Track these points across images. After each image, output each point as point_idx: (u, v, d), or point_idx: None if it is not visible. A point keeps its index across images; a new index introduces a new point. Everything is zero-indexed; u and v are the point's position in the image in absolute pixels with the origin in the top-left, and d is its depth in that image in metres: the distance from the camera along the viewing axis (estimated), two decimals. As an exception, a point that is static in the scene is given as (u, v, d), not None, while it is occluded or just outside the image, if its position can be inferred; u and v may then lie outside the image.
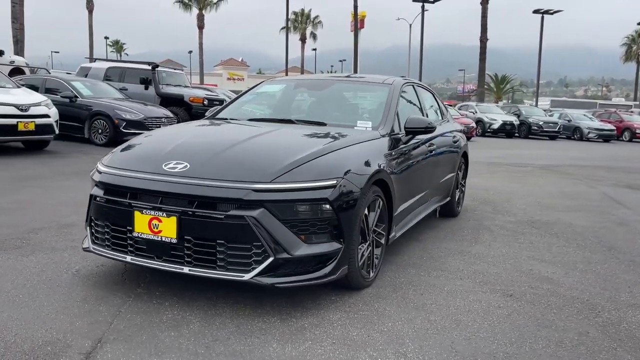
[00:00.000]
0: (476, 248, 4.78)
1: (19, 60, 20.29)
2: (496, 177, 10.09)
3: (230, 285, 3.35)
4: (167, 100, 14.30)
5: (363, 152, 3.58)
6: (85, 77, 15.27)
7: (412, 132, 4.26)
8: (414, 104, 5.02)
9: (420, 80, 41.47)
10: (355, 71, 39.39)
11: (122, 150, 3.63)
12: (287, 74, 39.17)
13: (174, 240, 3.00)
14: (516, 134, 27.01)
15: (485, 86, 60.44)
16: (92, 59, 17.23)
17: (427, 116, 5.16)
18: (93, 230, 3.38)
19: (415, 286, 3.67)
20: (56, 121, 10.23)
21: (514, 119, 26.84)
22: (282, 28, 57.71)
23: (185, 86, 15.80)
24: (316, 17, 57.91)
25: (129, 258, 3.17)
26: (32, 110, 9.72)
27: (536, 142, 24.40)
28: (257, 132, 3.77)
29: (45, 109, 10.07)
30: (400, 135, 4.20)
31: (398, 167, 4.01)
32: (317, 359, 2.56)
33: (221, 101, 15.08)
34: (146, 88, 14.55)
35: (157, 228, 3.04)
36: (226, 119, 4.50)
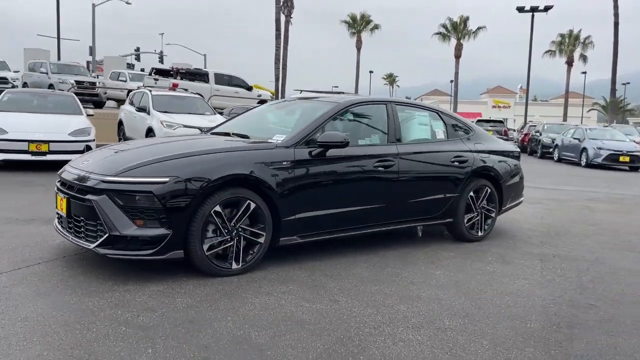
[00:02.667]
0: (416, 269, 4.66)
1: (265, 94, 24.47)
2: (633, 213, 8.48)
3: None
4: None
5: (232, 159, 4.18)
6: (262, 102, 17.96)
7: (324, 146, 4.56)
8: (371, 122, 5.22)
9: None
10: (613, 95, 34.77)
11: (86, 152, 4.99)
12: (526, 100, 36.89)
13: (65, 216, 4.17)
14: None
15: None
16: (300, 91, 19.90)
17: (396, 134, 5.20)
18: (57, 209, 4.78)
19: (262, 281, 4.05)
20: (233, 141, 12.54)
21: None
22: (546, 52, 54.32)
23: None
24: (587, 37, 52.69)
25: (59, 226, 4.45)
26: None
27: None
28: (161, 141, 4.71)
29: (225, 131, 12.47)
30: (311, 149, 4.55)
31: (297, 176, 4.40)
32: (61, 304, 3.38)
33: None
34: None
35: (62, 207, 4.25)
36: (203, 131, 5.52)
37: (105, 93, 24.16)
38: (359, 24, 58.21)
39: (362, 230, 4.98)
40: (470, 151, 5.76)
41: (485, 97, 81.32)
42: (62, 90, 22.23)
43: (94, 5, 41.69)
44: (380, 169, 4.96)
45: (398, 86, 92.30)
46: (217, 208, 4.03)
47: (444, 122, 5.80)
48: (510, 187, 6.20)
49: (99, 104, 21.40)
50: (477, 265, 4.87)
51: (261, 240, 4.28)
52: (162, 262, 4.03)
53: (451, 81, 67.45)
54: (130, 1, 42.20)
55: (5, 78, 20.53)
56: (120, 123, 14.53)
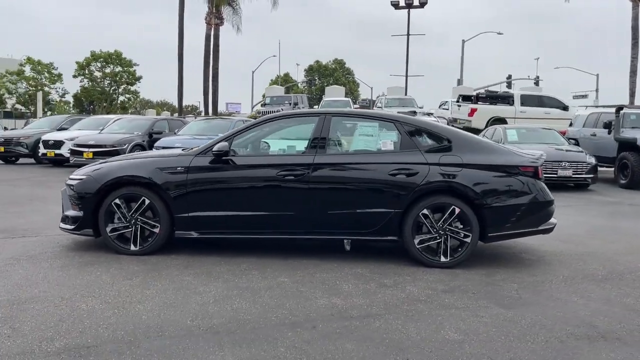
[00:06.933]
0: (275, 275, 4.68)
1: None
2: None
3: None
4: (624, 145, 12.93)
5: (132, 165, 5.37)
6: (571, 124, 16.00)
7: (215, 155, 5.12)
8: (292, 134, 5.35)
9: None
10: None
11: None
12: None
13: (72, 202, 6.12)
14: None
15: None
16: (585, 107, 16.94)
17: (319, 145, 5.12)
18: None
19: (132, 262, 4.99)
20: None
21: None
22: None
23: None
24: None
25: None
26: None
27: None
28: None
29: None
30: (209, 157, 5.19)
31: (190, 180, 5.16)
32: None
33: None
34: (609, 132, 13.62)
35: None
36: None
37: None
38: None
39: (273, 235, 5.23)
40: (426, 164, 4.99)
41: None
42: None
43: (463, 41, 44.94)
44: (287, 177, 5.07)
45: None
46: (117, 201, 5.24)
47: (399, 132, 5.21)
48: (504, 210, 4.96)
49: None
50: (338, 282, 4.45)
51: (156, 230, 5.23)
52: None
53: None
54: (502, 32, 43.65)
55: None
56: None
